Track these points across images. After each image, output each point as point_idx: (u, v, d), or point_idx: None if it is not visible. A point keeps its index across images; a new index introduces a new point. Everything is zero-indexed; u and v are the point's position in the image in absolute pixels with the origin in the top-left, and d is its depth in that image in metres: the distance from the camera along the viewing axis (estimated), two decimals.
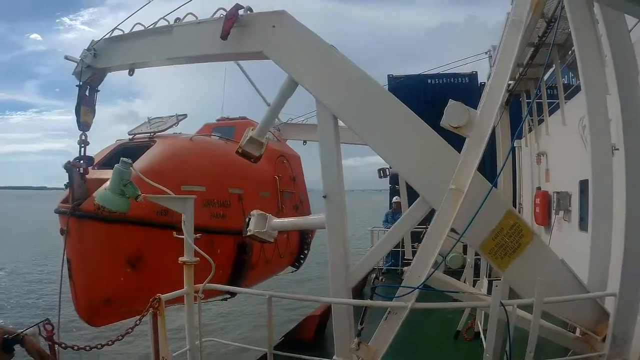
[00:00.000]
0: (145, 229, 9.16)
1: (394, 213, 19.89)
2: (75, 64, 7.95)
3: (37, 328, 4.50)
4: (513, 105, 21.30)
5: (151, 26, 7.39)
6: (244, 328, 19.97)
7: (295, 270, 15.97)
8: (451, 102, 6.01)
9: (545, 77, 18.68)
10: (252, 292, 8.27)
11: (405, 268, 10.75)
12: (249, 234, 7.20)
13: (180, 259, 6.62)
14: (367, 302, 6.99)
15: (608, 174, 7.09)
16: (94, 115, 8.25)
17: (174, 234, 6.70)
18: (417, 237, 16.93)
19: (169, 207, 6.76)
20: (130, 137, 11.39)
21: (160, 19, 7.30)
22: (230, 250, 11.10)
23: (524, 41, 14.05)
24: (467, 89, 24.59)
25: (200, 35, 7.05)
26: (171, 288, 6.45)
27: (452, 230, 6.04)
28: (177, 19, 7.21)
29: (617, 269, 6.31)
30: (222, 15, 6.66)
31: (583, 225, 11.90)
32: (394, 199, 20.31)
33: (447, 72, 25.24)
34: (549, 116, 17.64)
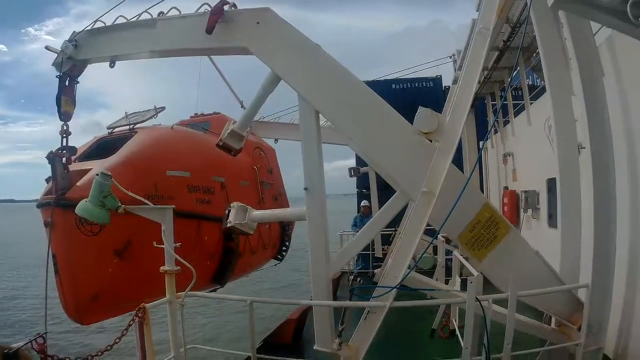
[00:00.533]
0: (134, 216, 8.96)
1: (363, 217, 20.05)
2: (56, 55, 7.86)
3: (30, 343, 4.51)
4: (478, 107, 21.78)
5: (134, 19, 7.39)
6: (228, 333, 20.02)
7: (278, 263, 15.95)
8: (421, 108, 6.19)
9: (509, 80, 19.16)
10: (233, 298, 8.27)
11: (376, 271, 10.94)
12: (228, 225, 7.23)
13: (162, 268, 6.64)
14: (347, 302, 7.11)
15: (575, 172, 7.40)
16: (75, 106, 8.14)
17: (154, 244, 6.70)
18: (386, 240, 17.29)
19: (149, 217, 6.77)
20: (110, 131, 11.19)
21: (143, 12, 7.32)
22: (217, 238, 10.97)
23: (489, 46, 14.44)
24: (431, 93, 24.93)
25: (184, 29, 7.09)
26: (160, 279, 6.48)
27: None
28: (161, 13, 7.22)
29: (588, 261, 6.60)
30: (207, 10, 6.74)
31: (552, 222, 12.27)
32: (363, 203, 20.48)
33: (411, 76, 25.60)
34: (515, 117, 18.09)
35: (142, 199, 6.93)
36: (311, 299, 7.04)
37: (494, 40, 14.70)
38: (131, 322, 5.80)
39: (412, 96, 23.57)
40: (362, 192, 22.83)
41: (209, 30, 6.59)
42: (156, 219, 6.68)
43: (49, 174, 8.35)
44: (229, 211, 7.27)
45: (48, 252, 8.09)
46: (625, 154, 7.41)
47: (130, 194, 6.93)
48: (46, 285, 7.59)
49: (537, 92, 15.43)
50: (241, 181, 12.81)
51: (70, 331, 18.89)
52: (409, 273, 6.17)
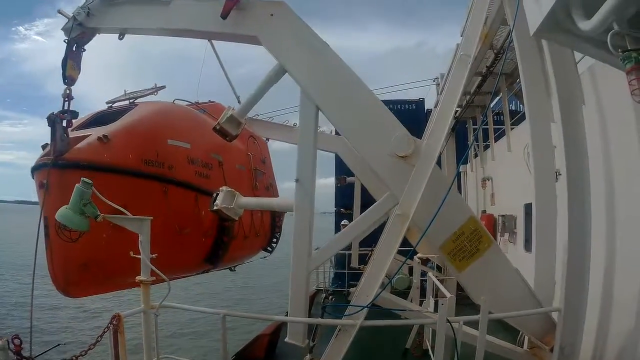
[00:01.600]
0: (131, 180, 8.70)
1: None
2: (66, 20, 7.98)
3: (6, 342, 4.44)
4: (459, 131, 22.02)
5: None
6: (203, 347, 19.84)
7: (268, 255, 15.81)
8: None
9: (492, 104, 19.38)
10: (206, 311, 8.20)
11: (351, 289, 10.96)
12: (215, 208, 7.19)
13: (137, 278, 6.61)
14: (319, 320, 7.09)
15: (551, 198, 7.49)
16: (79, 72, 8.18)
17: (131, 253, 6.65)
18: (363, 259, 17.31)
19: (127, 227, 6.74)
20: (109, 105, 11.02)
21: None
22: (213, 214, 10.89)
23: (472, 71, 14.64)
24: (414, 116, 25.18)
25: (199, 11, 7.17)
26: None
27: (398, 251, 6.32)
28: None
29: (561, 285, 6.66)
30: None
31: (528, 246, 12.39)
32: (343, 222, 20.53)
33: (394, 99, 25.86)
34: (495, 142, 18.29)
35: (121, 209, 6.86)
36: (286, 314, 7.02)
37: (478, 66, 14.90)
38: (105, 330, 5.74)
39: None
40: (341, 211, 22.87)
41: (224, 15, 6.71)
42: (133, 229, 6.67)
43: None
44: (217, 195, 7.24)
45: (40, 220, 7.85)
46: (602, 181, 7.50)
47: (110, 202, 6.84)
48: (35, 253, 7.31)
49: (518, 117, 15.65)
50: (237, 164, 12.66)
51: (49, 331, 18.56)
52: (380, 293, 6.24)
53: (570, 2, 4.73)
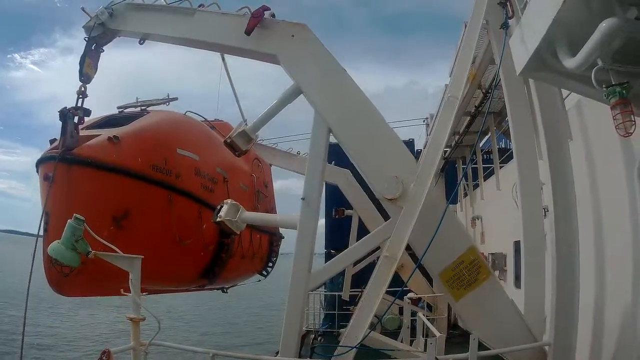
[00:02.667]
0: (138, 183, 8.57)
1: (333, 277, 19.93)
2: (89, 18, 7.98)
3: None
4: (449, 171, 22.15)
5: (174, 3, 7.59)
6: None
7: (263, 279, 15.56)
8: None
9: (482, 143, 19.53)
10: (196, 350, 8.06)
11: (341, 330, 10.84)
12: (218, 219, 7.11)
13: (127, 315, 6.53)
14: None
15: (540, 234, 7.50)
16: (96, 72, 8.17)
17: (122, 290, 6.52)
18: (353, 300, 17.17)
19: (118, 265, 6.67)
20: (119, 110, 10.94)
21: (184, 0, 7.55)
22: (214, 229, 10.37)
23: (460, 111, 14.84)
24: None
25: (222, 26, 7.27)
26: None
27: (387, 292, 6.30)
28: (201, 5, 7.43)
29: (550, 319, 6.66)
30: (246, 13, 6.95)
31: (518, 283, 12.34)
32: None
33: None
34: (484, 181, 18.38)
35: (112, 247, 6.77)
36: (277, 354, 6.91)
37: (467, 106, 15.09)
38: None
39: None
40: (331, 252, 22.71)
41: (249, 32, 6.82)
42: (124, 267, 6.60)
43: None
44: (221, 206, 7.19)
45: (42, 213, 7.67)
46: (591, 215, 7.53)
47: (102, 240, 6.74)
48: (35, 249, 7.16)
49: (507, 155, 15.75)
50: (241, 183, 12.62)
51: None
52: (369, 333, 6.25)
53: (555, 41, 4.84)
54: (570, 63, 4.60)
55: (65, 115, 7.89)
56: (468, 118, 16.32)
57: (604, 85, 4.30)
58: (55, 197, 7.79)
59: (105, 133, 8.44)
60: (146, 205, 8.47)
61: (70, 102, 8.01)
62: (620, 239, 6.62)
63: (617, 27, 3.90)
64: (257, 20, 6.83)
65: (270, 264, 15.01)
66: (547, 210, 7.30)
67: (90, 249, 6.44)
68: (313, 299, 18.73)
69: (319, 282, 7.00)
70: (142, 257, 6.70)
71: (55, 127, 8.09)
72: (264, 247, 14.15)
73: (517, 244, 12.56)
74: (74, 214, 6.44)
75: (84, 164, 7.98)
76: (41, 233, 7.71)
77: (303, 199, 6.62)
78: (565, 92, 7.38)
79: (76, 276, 7.78)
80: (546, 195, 7.30)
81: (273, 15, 7.00)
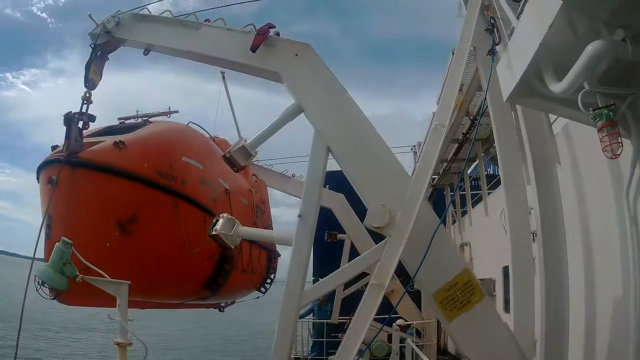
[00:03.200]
0: (144, 189, 8.47)
1: (320, 305, 19.83)
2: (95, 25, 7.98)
3: None
4: (437, 199, 22.22)
5: (182, 17, 7.71)
6: None
7: (262, 295, 15.40)
8: (372, 204, 6.40)
9: (470, 170, 19.63)
10: None
11: (330, 357, 10.73)
12: (213, 233, 7.03)
13: (114, 340, 6.48)
14: None
15: (528, 259, 7.50)
16: (100, 79, 8.20)
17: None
18: (342, 327, 17.05)
19: (104, 289, 6.63)
20: (121, 121, 10.94)
21: (191, 13, 7.67)
22: None
23: (448, 139, 14.96)
24: None
25: (228, 41, 7.30)
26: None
27: (376, 319, 6.27)
28: (207, 20, 7.50)
29: (540, 343, 6.66)
30: (251, 30, 7.03)
31: (507, 307, 12.30)
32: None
33: None
34: (473, 208, 18.43)
35: (100, 271, 6.71)
36: None
37: (454, 133, 15.21)
38: None
39: None
40: (318, 279, 22.62)
41: (254, 49, 6.87)
42: (111, 292, 6.56)
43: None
44: (217, 220, 7.13)
45: (44, 217, 7.55)
46: (580, 240, 7.55)
47: (89, 264, 6.69)
48: (35, 250, 7.06)
49: (496, 181, 15.84)
50: (241, 197, 12.61)
51: None
52: None
53: (542, 66, 4.91)
54: (557, 88, 4.66)
55: (70, 119, 7.87)
56: (456, 145, 16.42)
57: (590, 109, 4.34)
58: (59, 200, 7.65)
59: (109, 140, 8.41)
60: (153, 211, 8.40)
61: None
62: (610, 262, 6.64)
63: (604, 49, 3.97)
64: (262, 38, 6.91)
65: (269, 280, 14.98)
66: (536, 235, 7.33)
67: (77, 273, 6.42)
68: (301, 327, 18.58)
69: (312, 298, 7.01)
70: (129, 282, 6.65)
71: (44, 148, 8.11)
72: (263, 263, 14.10)
73: (505, 269, 12.56)
74: (62, 238, 6.41)
75: (89, 167, 7.92)
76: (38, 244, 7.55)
77: (300, 215, 6.61)
78: (552, 117, 7.45)
79: (76, 285, 7.51)
80: (534, 220, 7.34)
81: (278, 34, 7.09)
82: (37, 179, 8.46)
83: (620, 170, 5.86)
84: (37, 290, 7.31)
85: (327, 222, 17.02)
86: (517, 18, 5.57)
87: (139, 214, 8.38)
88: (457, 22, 8.17)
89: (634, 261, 5.43)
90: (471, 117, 14.11)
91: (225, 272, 10.94)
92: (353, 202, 15.12)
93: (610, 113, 4.20)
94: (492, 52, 7.19)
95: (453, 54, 8.02)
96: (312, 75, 6.94)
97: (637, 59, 4.04)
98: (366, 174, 6.73)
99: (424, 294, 6.90)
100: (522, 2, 5.23)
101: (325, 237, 19.44)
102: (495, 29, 7.19)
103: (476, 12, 7.38)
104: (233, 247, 7.25)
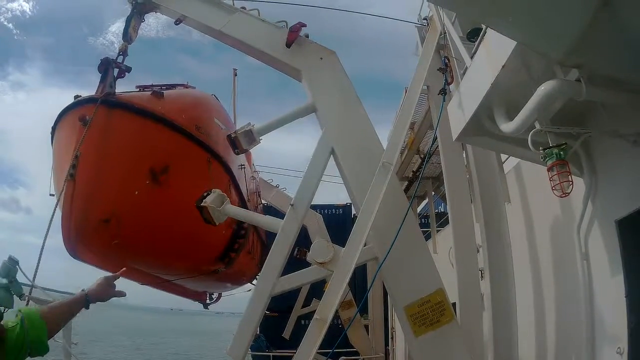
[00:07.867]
0: (181, 138, 8.22)
1: (255, 339, 19.64)
2: None
3: None
4: None
5: None
6: None
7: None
8: (317, 239, 6.46)
9: (421, 208, 19.85)
10: None
11: None
12: (202, 204, 6.78)
13: None
14: None
15: (476, 296, 7.55)
16: (136, 36, 8.09)
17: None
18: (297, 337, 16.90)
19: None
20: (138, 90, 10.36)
21: None
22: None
23: (397, 177, 15.14)
24: (340, 220, 25.50)
25: (262, 32, 7.38)
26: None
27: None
28: (243, 7, 7.65)
29: None
30: (284, 27, 7.19)
31: None
32: None
33: (321, 203, 26.16)
34: None
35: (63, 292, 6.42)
36: None
37: (404, 171, 15.40)
38: None
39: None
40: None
41: (289, 44, 7.06)
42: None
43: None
44: (208, 193, 6.92)
45: (73, 154, 7.08)
46: (530, 277, 7.65)
47: (53, 300, 6.37)
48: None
49: (445, 219, 16.03)
50: (250, 175, 12.82)
51: None
52: None
53: (493, 105, 4.99)
54: (507, 127, 4.72)
55: (108, 63, 7.72)
56: (406, 183, 16.61)
57: (541, 148, 4.40)
58: (90, 140, 7.21)
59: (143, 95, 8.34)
60: (187, 164, 8.22)
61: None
62: (560, 300, 6.74)
63: (557, 89, 3.99)
64: (295, 35, 7.07)
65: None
66: (484, 272, 7.40)
67: (23, 292, 6.08)
68: None
69: (283, 288, 6.89)
70: (87, 293, 6.37)
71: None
72: (258, 253, 13.95)
73: (453, 306, 12.65)
74: (9, 255, 6.10)
75: (128, 109, 7.68)
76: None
77: (292, 205, 6.64)
78: (504, 156, 7.62)
79: (99, 233, 7.42)
80: (482, 257, 7.42)
81: (307, 35, 7.26)
82: (55, 124, 8.11)
83: (571, 207, 6.00)
84: (67, 224, 7.07)
85: (303, 240, 17.03)
86: (471, 58, 5.70)
87: (173, 164, 8.11)
88: (414, 60, 8.35)
89: (585, 298, 5.53)
90: (422, 156, 14.32)
91: (239, 245, 10.86)
92: (329, 224, 16.25)
93: (561, 152, 4.24)
94: (444, 92, 7.33)
95: (406, 92, 8.15)
96: (332, 79, 7.11)
97: (592, 98, 4.12)
98: (365, 182, 6.68)
99: (395, 305, 6.83)
100: (477, 42, 5.36)
101: (295, 253, 19.29)
102: (448, 69, 7.36)
103: (431, 52, 7.56)
104: (217, 224, 7.07)
